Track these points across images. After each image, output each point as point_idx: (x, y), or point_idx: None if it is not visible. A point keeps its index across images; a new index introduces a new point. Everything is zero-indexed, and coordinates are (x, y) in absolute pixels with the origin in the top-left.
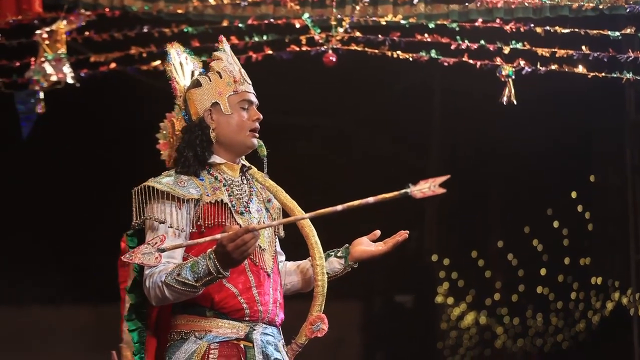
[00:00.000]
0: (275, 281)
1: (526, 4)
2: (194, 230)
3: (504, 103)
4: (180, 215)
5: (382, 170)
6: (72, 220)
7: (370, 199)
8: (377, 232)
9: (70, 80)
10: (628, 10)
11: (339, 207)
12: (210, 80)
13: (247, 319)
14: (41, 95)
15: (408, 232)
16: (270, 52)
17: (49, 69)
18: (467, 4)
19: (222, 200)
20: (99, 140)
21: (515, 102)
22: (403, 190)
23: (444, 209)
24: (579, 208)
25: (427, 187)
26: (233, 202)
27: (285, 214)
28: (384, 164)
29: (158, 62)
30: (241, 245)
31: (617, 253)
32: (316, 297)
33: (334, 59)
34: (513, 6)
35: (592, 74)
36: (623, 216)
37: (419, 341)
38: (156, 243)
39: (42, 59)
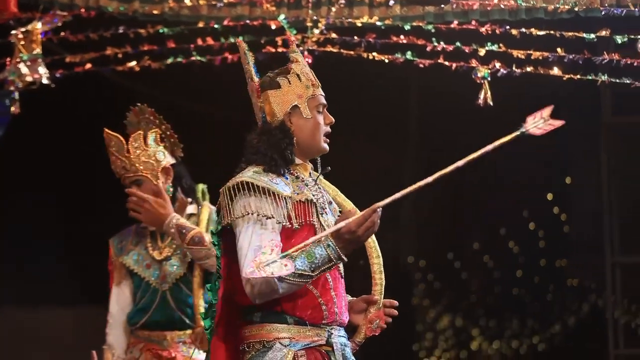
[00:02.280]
0: (344, 283)
1: (502, 6)
2: (287, 227)
3: (481, 105)
4: (277, 212)
5: (359, 171)
6: (50, 223)
7: (489, 147)
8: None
9: (45, 81)
10: (603, 12)
11: (460, 163)
12: (290, 83)
13: (325, 321)
14: (16, 95)
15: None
16: None
17: (24, 69)
18: (442, 5)
19: (310, 200)
20: (74, 142)
21: (491, 104)
22: (519, 131)
23: (420, 210)
24: (555, 210)
25: (541, 122)
26: (319, 201)
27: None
28: (360, 165)
29: (134, 63)
30: (370, 227)
31: (593, 255)
32: (374, 295)
33: (310, 61)
34: (489, 8)
35: (567, 76)
36: (599, 218)
37: (394, 343)
38: (272, 250)
39: (18, 60)
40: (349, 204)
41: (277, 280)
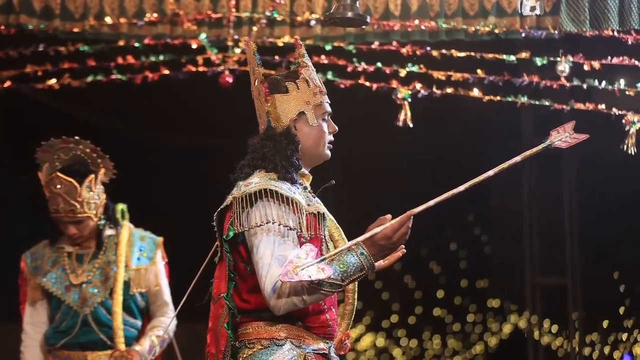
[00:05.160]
0: None
1: (422, 27)
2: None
3: (400, 125)
4: (297, 223)
5: None
6: None
7: (518, 158)
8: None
9: None
10: (523, 34)
11: (491, 172)
12: (298, 88)
13: (326, 336)
14: None
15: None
16: (166, 72)
17: None
18: (363, 26)
19: (322, 213)
20: None
21: (411, 125)
22: (545, 144)
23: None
24: (476, 231)
25: (566, 137)
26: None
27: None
28: None
29: (54, 81)
30: (405, 233)
31: (514, 276)
32: (345, 316)
33: (231, 80)
34: (409, 29)
35: (487, 97)
36: (519, 239)
37: None
38: (308, 255)
39: None
40: (333, 221)
41: (306, 289)
